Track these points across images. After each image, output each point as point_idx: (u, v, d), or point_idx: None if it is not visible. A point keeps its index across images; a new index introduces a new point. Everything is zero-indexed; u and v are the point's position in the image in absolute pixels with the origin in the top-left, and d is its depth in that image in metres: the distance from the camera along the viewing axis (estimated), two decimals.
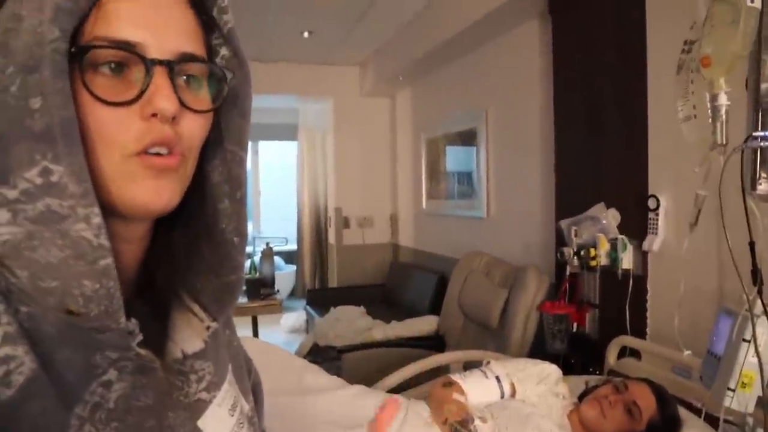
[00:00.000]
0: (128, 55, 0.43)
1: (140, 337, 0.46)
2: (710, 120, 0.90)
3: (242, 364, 0.65)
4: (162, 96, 0.44)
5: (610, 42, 2.19)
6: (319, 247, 5.59)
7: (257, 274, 4.16)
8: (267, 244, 4.40)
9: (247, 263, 4.37)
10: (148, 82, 0.44)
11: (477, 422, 1.43)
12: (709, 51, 0.93)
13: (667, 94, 1.87)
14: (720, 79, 0.86)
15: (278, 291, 4.22)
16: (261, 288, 4.08)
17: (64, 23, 0.40)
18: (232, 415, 0.56)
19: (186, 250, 0.54)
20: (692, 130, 1.05)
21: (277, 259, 6.28)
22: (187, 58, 0.46)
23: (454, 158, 4.00)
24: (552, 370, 1.61)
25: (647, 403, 1.49)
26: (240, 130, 0.53)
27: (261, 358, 1.60)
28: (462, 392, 1.53)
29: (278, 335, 5.45)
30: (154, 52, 0.44)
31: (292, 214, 5.79)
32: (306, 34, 4.09)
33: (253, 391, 0.70)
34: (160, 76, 0.44)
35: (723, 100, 0.86)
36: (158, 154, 0.45)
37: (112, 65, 0.43)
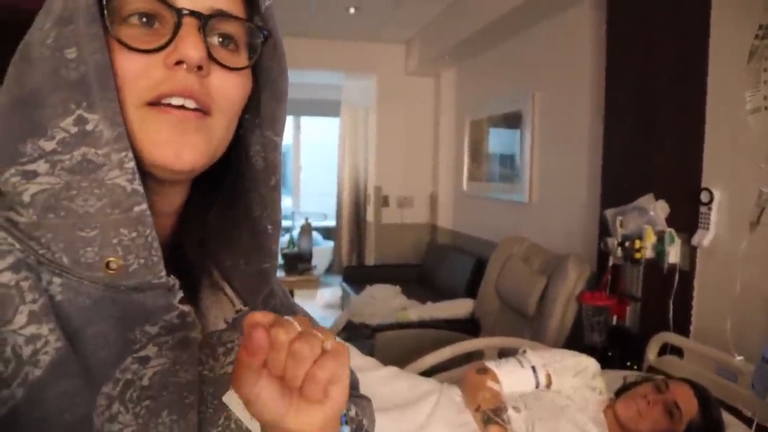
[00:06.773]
0: (157, 4, 0.42)
1: (181, 294, 0.45)
2: None
3: None
4: (188, 43, 0.42)
5: (668, 28, 2.08)
6: (357, 225, 5.61)
7: (295, 248, 4.21)
8: (306, 219, 4.44)
9: (286, 237, 4.43)
10: (177, 31, 0.42)
11: (510, 411, 1.42)
12: None
13: (730, 84, 1.77)
14: None
15: (315, 266, 4.26)
16: (299, 263, 4.13)
17: None
18: None
19: (224, 232, 0.52)
20: (761, 123, 0.99)
21: (315, 234, 6.35)
22: (221, 14, 0.44)
23: (498, 141, 3.92)
24: (590, 363, 1.58)
25: (689, 405, 1.44)
26: (274, 114, 0.51)
27: None
28: (496, 380, 1.51)
29: (314, 310, 5.52)
30: (185, 3, 0.43)
31: (331, 191, 5.81)
32: (352, 10, 4.05)
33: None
34: (189, 27, 0.42)
35: None
36: (181, 108, 0.43)
37: (143, 17, 0.42)
